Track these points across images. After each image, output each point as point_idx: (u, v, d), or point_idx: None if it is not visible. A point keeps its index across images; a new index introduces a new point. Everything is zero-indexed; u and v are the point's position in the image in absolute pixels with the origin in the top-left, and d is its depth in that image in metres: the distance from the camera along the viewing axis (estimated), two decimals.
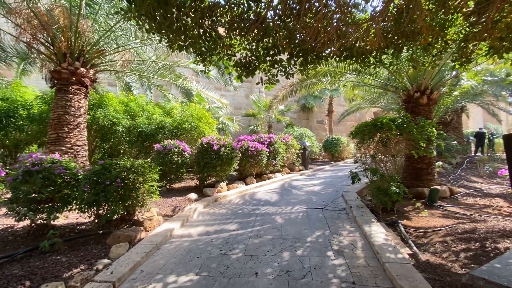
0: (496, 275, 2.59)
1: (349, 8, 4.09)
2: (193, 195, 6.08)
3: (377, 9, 4.20)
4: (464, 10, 4.54)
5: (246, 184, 7.79)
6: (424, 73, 6.74)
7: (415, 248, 3.48)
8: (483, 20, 4.28)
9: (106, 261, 3.09)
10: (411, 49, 5.43)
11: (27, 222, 3.89)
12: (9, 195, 4.06)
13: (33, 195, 3.60)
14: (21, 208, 3.57)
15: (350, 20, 4.42)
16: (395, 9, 4.18)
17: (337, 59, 4.93)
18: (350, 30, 4.42)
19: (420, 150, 5.47)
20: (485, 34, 4.36)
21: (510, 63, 4.87)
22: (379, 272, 2.85)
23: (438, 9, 4.24)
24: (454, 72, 7.55)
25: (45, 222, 3.85)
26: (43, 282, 2.52)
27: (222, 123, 13.54)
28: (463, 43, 4.92)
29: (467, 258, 3.18)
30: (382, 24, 4.42)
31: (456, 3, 4.33)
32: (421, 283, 2.53)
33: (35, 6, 5.18)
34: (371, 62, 5.12)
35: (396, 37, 4.68)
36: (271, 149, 8.77)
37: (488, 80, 8.18)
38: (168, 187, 7.01)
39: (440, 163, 8.72)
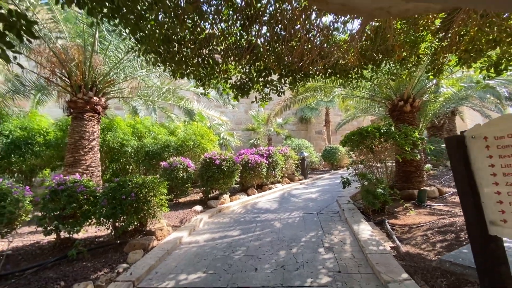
0: (461, 258, 2.99)
1: (330, 31, 4.71)
2: (198, 207, 6.53)
3: (354, 31, 4.83)
4: (432, 27, 5.18)
5: (248, 195, 8.21)
6: (405, 83, 7.30)
7: (397, 241, 3.88)
8: (449, 35, 4.91)
9: (125, 265, 3.53)
10: (388, 64, 6.07)
11: (52, 237, 4.36)
12: (31, 215, 4.57)
13: (59, 211, 4.09)
14: (49, 223, 4.05)
15: (331, 42, 5.04)
16: (369, 30, 4.81)
17: (323, 76, 5.54)
18: (332, 49, 5.03)
19: (406, 154, 5.94)
20: (454, 47, 4.98)
21: (479, 72, 5.44)
22: (363, 263, 3.26)
23: (409, 27, 4.88)
24: (434, 81, 8.12)
25: (68, 236, 4.32)
26: (75, 282, 2.96)
27: (223, 138, 14.11)
28: (434, 56, 5.55)
29: (442, 247, 3.57)
30: (359, 43, 5.04)
31: (424, 22, 4.98)
32: (396, 267, 2.94)
33: (54, 46, 5.90)
34: (353, 77, 5.70)
35: (373, 54, 5.24)
36: (270, 160, 9.25)
37: (467, 86, 8.72)
38: (175, 201, 7.46)
39: (429, 165, 9.10)
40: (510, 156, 2.03)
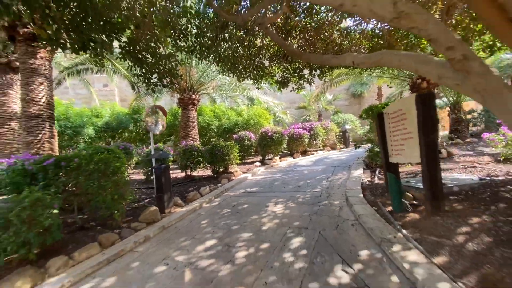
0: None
1: (346, 32, 6.51)
2: (258, 163, 9.47)
3: (368, 28, 6.52)
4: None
5: (293, 158, 10.73)
6: None
7: (376, 178, 5.87)
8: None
9: (219, 185, 6.69)
10: None
11: (183, 174, 7.95)
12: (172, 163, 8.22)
13: (186, 160, 7.56)
14: (183, 166, 7.58)
15: (348, 40, 6.82)
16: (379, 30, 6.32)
17: (344, 67, 7.40)
18: (351, 46, 6.80)
19: None
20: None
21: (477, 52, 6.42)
22: (343, 186, 5.52)
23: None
24: None
25: (190, 173, 7.83)
26: (201, 186, 6.21)
27: (278, 117, 16.63)
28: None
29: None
30: (367, 44, 6.66)
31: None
32: (358, 186, 5.12)
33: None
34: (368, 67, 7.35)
35: (379, 48, 6.77)
36: (312, 133, 11.40)
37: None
38: (243, 160, 10.62)
39: (445, 133, 9.61)
40: (393, 123, 3.99)
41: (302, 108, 19.01)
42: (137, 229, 4.07)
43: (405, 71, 8.80)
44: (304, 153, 11.51)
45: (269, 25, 5.36)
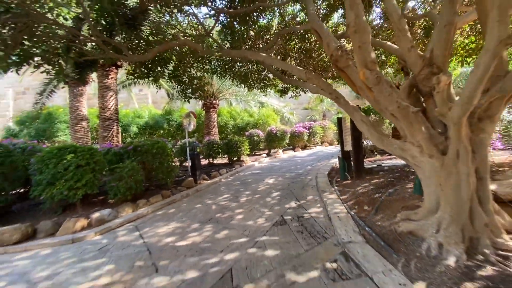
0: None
1: None
2: (264, 155, 11.53)
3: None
4: None
5: (294, 151, 12.66)
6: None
7: None
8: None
9: (233, 169, 8.84)
10: None
11: (206, 161, 10.20)
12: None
13: (209, 151, 9.79)
14: (206, 155, 9.84)
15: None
16: None
17: (332, 80, 9.24)
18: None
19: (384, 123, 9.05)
20: None
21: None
22: (322, 169, 7.44)
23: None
24: None
25: (212, 161, 10.07)
26: (220, 169, 8.40)
27: (286, 117, 18.50)
28: None
29: None
30: None
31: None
32: (328, 168, 7.04)
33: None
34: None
35: None
36: (310, 131, 13.25)
37: None
38: (253, 153, 12.73)
39: None
40: (345, 125, 5.87)
41: (308, 109, 20.69)
42: (181, 190, 6.31)
43: None
44: (304, 147, 13.39)
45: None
